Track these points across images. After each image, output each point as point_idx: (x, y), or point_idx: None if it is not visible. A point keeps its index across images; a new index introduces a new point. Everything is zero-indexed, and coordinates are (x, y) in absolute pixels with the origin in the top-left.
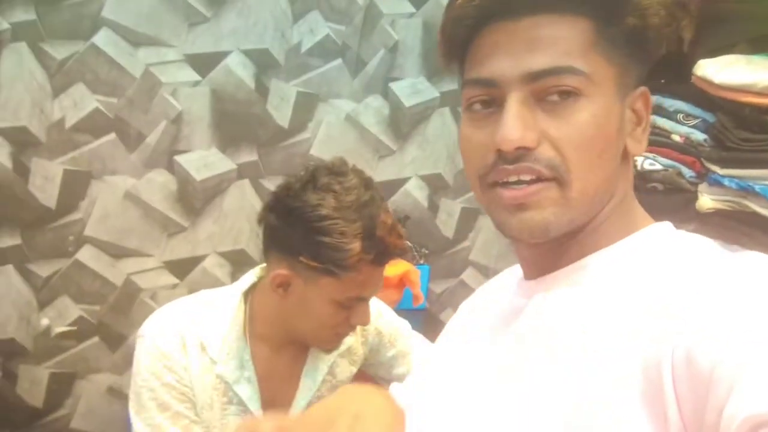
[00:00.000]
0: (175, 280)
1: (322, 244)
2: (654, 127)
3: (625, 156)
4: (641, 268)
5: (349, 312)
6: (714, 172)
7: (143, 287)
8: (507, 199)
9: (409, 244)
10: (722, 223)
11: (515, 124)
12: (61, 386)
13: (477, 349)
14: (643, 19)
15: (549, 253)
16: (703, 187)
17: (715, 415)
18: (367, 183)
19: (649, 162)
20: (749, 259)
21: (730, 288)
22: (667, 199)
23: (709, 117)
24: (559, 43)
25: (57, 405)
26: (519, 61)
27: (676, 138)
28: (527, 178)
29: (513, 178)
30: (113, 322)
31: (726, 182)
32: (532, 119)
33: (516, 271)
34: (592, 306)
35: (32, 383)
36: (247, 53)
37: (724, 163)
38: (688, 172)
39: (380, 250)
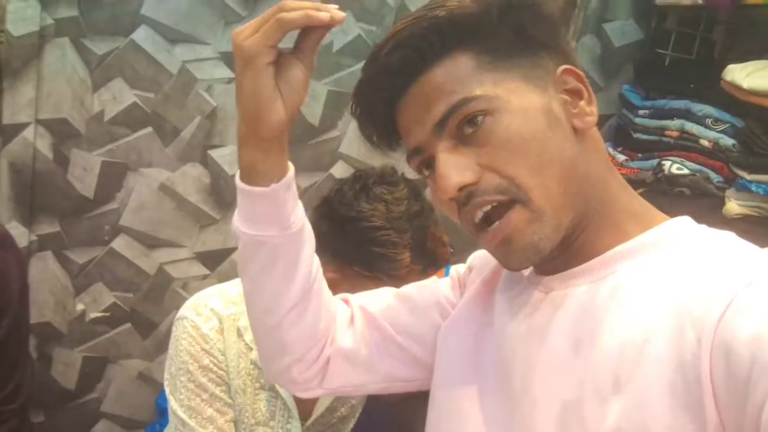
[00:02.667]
0: (206, 271)
1: (374, 254)
2: (682, 131)
3: (581, 136)
4: (665, 264)
5: None
6: (742, 178)
7: (175, 277)
8: (490, 240)
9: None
10: (749, 229)
11: (446, 171)
12: (94, 370)
13: (493, 339)
14: (517, 22)
15: (563, 250)
16: (730, 192)
17: (756, 407)
18: (416, 193)
19: (677, 166)
20: None
21: (763, 284)
22: (694, 204)
23: (738, 122)
24: (445, 86)
25: (89, 388)
26: (424, 122)
27: (705, 143)
28: (487, 208)
29: (478, 215)
30: (145, 310)
31: (753, 188)
32: (461, 159)
33: None
34: (616, 305)
35: (66, 366)
36: None
37: (752, 169)
38: (715, 177)
39: (429, 261)
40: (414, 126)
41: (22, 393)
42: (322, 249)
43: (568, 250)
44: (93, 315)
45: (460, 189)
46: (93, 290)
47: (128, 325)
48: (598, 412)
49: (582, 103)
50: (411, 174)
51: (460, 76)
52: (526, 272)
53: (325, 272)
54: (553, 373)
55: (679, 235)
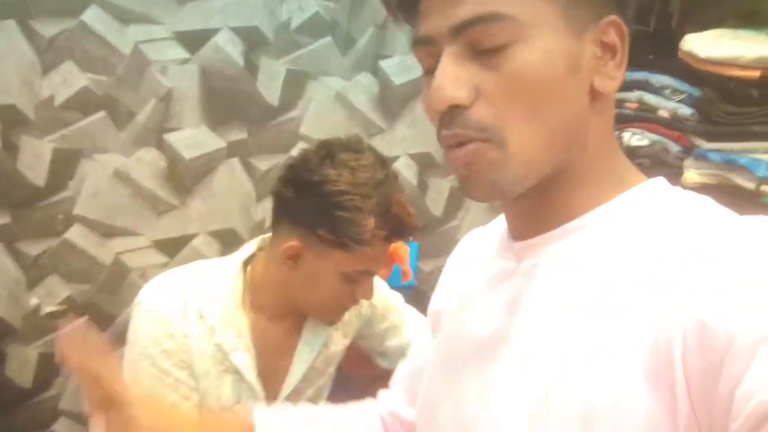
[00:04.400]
0: (165, 259)
1: (339, 218)
2: (641, 102)
3: (595, 95)
4: (638, 231)
5: (355, 286)
6: (700, 147)
7: (132, 266)
8: (453, 161)
9: None
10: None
11: (443, 82)
12: (51, 366)
13: (468, 316)
14: None
15: (535, 210)
16: (689, 162)
17: (729, 388)
18: (382, 162)
19: (636, 137)
20: (755, 221)
21: (740, 254)
22: (654, 174)
23: (696, 92)
24: None
25: (46, 385)
26: (446, 14)
27: (663, 113)
28: (463, 140)
29: (451, 140)
30: (102, 302)
31: (711, 156)
32: (464, 74)
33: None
34: (588, 273)
35: (21, 363)
36: (236, 30)
37: (710, 137)
38: (674, 147)
39: (393, 227)
40: (433, 13)
41: None
42: (286, 216)
43: (540, 209)
44: (48, 309)
45: (450, 106)
46: (47, 283)
47: (85, 318)
48: (569, 386)
49: (612, 63)
50: (379, 146)
51: None
52: (499, 240)
53: (288, 240)
54: (525, 344)
55: (652, 200)
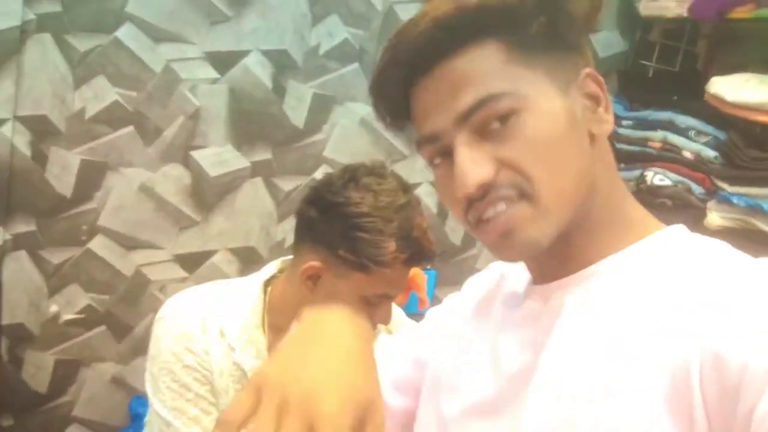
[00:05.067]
0: (185, 274)
1: (360, 240)
2: (665, 143)
3: (594, 141)
4: (659, 273)
5: (374, 310)
6: (723, 190)
7: (152, 279)
8: (490, 234)
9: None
10: (730, 242)
11: (467, 168)
12: (66, 373)
13: (504, 352)
14: (552, 17)
15: (558, 256)
16: (711, 204)
17: (746, 414)
18: (405, 187)
19: (659, 177)
20: None
21: (756, 290)
22: (675, 215)
23: (721, 135)
24: (475, 76)
25: (61, 391)
26: (447, 109)
27: (687, 154)
28: (502, 207)
29: (490, 213)
30: (121, 313)
31: (735, 200)
32: (482, 154)
33: (505, 268)
34: (612, 312)
35: (38, 369)
36: (266, 53)
37: (734, 181)
38: (697, 189)
39: (414, 251)
40: (434, 112)
41: None
42: (308, 236)
43: (564, 254)
44: (67, 317)
45: (480, 186)
46: (67, 291)
47: (103, 327)
48: (593, 421)
49: (600, 109)
50: (401, 173)
51: (490, 68)
52: (523, 285)
53: (308, 260)
54: (551, 380)
55: (672, 244)
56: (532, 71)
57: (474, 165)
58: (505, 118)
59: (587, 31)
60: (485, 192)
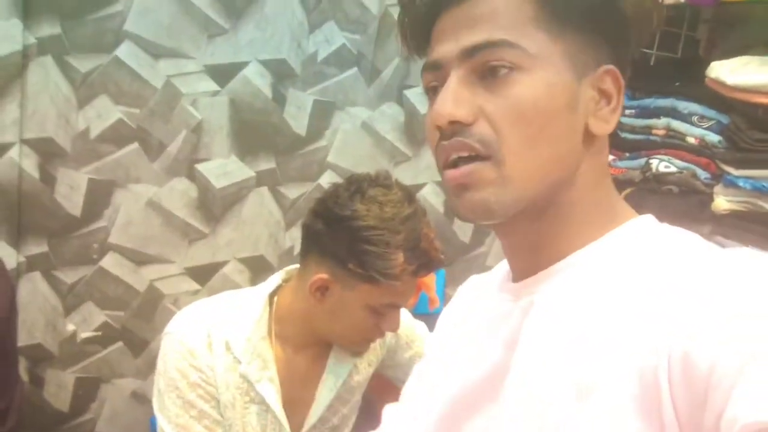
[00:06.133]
0: (197, 286)
1: (368, 253)
2: (669, 129)
3: (590, 136)
4: (627, 267)
5: (381, 318)
6: (728, 174)
7: (165, 293)
8: (449, 180)
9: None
10: (737, 225)
11: (446, 98)
12: (87, 391)
13: (468, 358)
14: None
15: (527, 248)
16: (718, 188)
17: (714, 418)
18: (410, 197)
19: (664, 164)
20: (739, 255)
21: (724, 287)
22: (682, 201)
23: (724, 119)
24: (495, 18)
25: (82, 409)
26: (458, 40)
27: (691, 140)
28: (465, 154)
29: (453, 156)
30: (136, 328)
31: (741, 183)
32: (468, 95)
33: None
34: (580, 309)
35: (58, 387)
36: (264, 63)
37: (739, 164)
38: (703, 174)
39: (422, 262)
40: (446, 38)
41: (11, 416)
42: (315, 249)
43: (535, 245)
44: (84, 335)
45: (451, 122)
46: (83, 309)
47: (120, 343)
48: (563, 423)
49: (607, 108)
50: (406, 181)
51: (515, 16)
52: (497, 282)
53: (317, 273)
54: (523, 381)
55: (641, 237)
56: (552, 40)
57: (455, 100)
58: (504, 69)
59: (630, 28)
60: (454, 132)
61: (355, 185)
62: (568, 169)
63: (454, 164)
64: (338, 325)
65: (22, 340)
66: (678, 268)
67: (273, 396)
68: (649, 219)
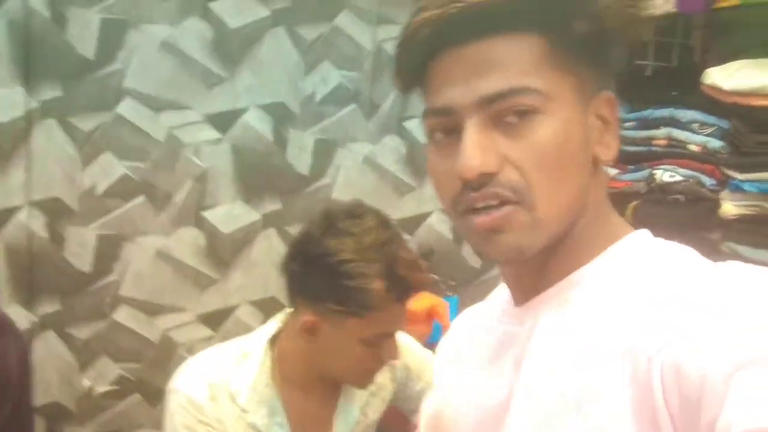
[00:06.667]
0: (210, 333)
1: (346, 288)
2: (670, 139)
3: (595, 164)
4: (623, 281)
5: (378, 349)
6: (734, 178)
7: (180, 342)
8: (478, 226)
9: (435, 277)
10: (747, 228)
11: (474, 152)
12: None
13: (478, 389)
14: (597, 24)
15: (533, 272)
16: (724, 194)
17: (709, 423)
18: (384, 223)
19: (669, 174)
20: (728, 268)
21: (713, 298)
22: (690, 210)
23: (724, 124)
24: (509, 64)
25: None
26: (472, 87)
27: (693, 148)
28: (494, 202)
29: (480, 204)
30: (152, 379)
31: (746, 187)
32: (491, 144)
33: (503, 294)
34: (581, 326)
35: None
36: (263, 107)
37: (743, 168)
38: (708, 181)
39: (403, 287)
40: (457, 85)
41: None
42: (296, 291)
43: (542, 268)
44: (100, 390)
45: (480, 174)
46: (98, 364)
47: (137, 395)
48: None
49: (608, 134)
50: (411, 210)
51: (527, 60)
52: (497, 309)
53: (304, 314)
54: (527, 405)
55: (636, 253)
56: (564, 77)
57: (482, 152)
58: (523, 114)
59: (617, 48)
60: (483, 183)
61: (327, 221)
62: (584, 200)
63: (478, 209)
64: (337, 362)
65: (39, 399)
66: (670, 281)
67: None
68: (644, 234)
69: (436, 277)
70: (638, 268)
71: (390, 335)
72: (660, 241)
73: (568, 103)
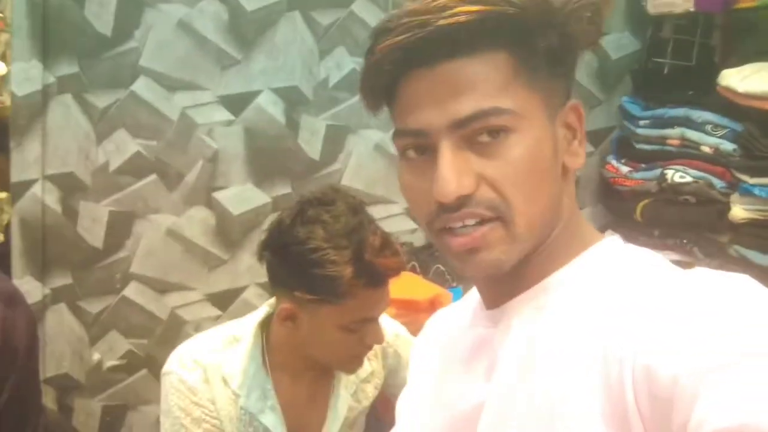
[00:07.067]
0: (218, 312)
1: (315, 276)
2: (683, 139)
3: (565, 172)
4: (595, 287)
5: (360, 335)
6: (744, 182)
7: (188, 320)
8: (456, 246)
9: (442, 267)
10: (755, 233)
11: (450, 175)
12: (114, 418)
13: (449, 387)
14: (563, 35)
15: (507, 279)
16: (734, 197)
17: (681, 424)
18: (355, 208)
19: (679, 175)
20: (696, 274)
21: (682, 303)
22: (700, 211)
23: (738, 127)
24: (480, 84)
25: None
26: (444, 110)
27: (706, 149)
28: (471, 222)
29: (458, 224)
30: (160, 355)
31: (756, 191)
32: (465, 164)
33: (476, 295)
34: (553, 333)
35: (87, 416)
36: (277, 91)
37: (754, 172)
38: (718, 183)
39: (372, 274)
40: (428, 107)
41: None
42: (273, 282)
43: (517, 276)
44: (109, 363)
45: (459, 197)
46: (108, 338)
47: (144, 371)
48: None
49: (575, 142)
50: (391, 193)
51: (498, 79)
52: (470, 311)
53: (282, 304)
54: (499, 410)
55: (606, 259)
56: (533, 93)
57: (458, 175)
58: (496, 133)
59: (579, 56)
60: (461, 204)
61: (297, 208)
62: (558, 209)
63: (455, 229)
64: (320, 349)
65: (50, 370)
66: (641, 287)
67: (276, 425)
68: (615, 240)
69: (442, 267)
70: (610, 274)
71: (370, 320)
72: (631, 247)
73: (538, 118)
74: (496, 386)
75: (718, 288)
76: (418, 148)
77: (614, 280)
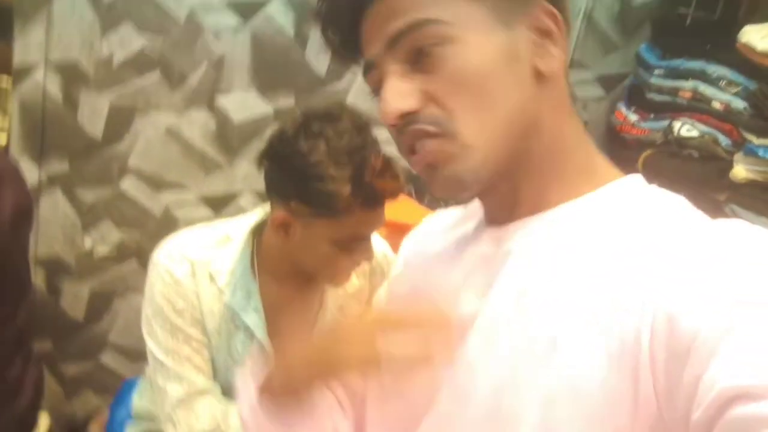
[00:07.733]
0: (211, 213)
1: (313, 190)
2: (695, 92)
3: (540, 77)
4: (612, 225)
5: (351, 251)
6: (750, 142)
7: (180, 218)
8: (414, 165)
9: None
10: (754, 194)
11: (388, 98)
12: (101, 303)
13: (446, 290)
14: None
15: (508, 198)
16: (738, 156)
17: (694, 377)
18: (360, 127)
19: (686, 128)
20: (730, 224)
21: (713, 251)
22: (701, 167)
23: (752, 85)
24: (410, 2)
25: (96, 319)
26: (380, 37)
27: (716, 105)
28: (422, 140)
29: (411, 144)
30: (151, 248)
31: (761, 152)
32: (407, 84)
33: (474, 210)
34: (560, 264)
35: (74, 298)
36: (288, 1)
37: (761, 133)
38: (724, 140)
39: (369, 194)
40: (372, 38)
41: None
42: (270, 190)
43: (512, 198)
44: (100, 250)
45: (401, 116)
46: (101, 227)
47: (134, 261)
48: (531, 375)
49: (548, 43)
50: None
51: None
52: (474, 222)
53: (276, 213)
54: (493, 327)
55: (628, 195)
56: (472, 2)
57: (396, 95)
58: (433, 46)
59: None
60: (407, 123)
61: (302, 120)
62: (528, 118)
63: (414, 150)
64: (310, 260)
65: (42, 252)
66: (667, 230)
67: (257, 325)
68: (637, 179)
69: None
70: (630, 213)
71: (363, 238)
72: (654, 187)
73: (481, 25)
74: (489, 307)
75: (752, 242)
76: (377, 85)
77: (635, 220)
